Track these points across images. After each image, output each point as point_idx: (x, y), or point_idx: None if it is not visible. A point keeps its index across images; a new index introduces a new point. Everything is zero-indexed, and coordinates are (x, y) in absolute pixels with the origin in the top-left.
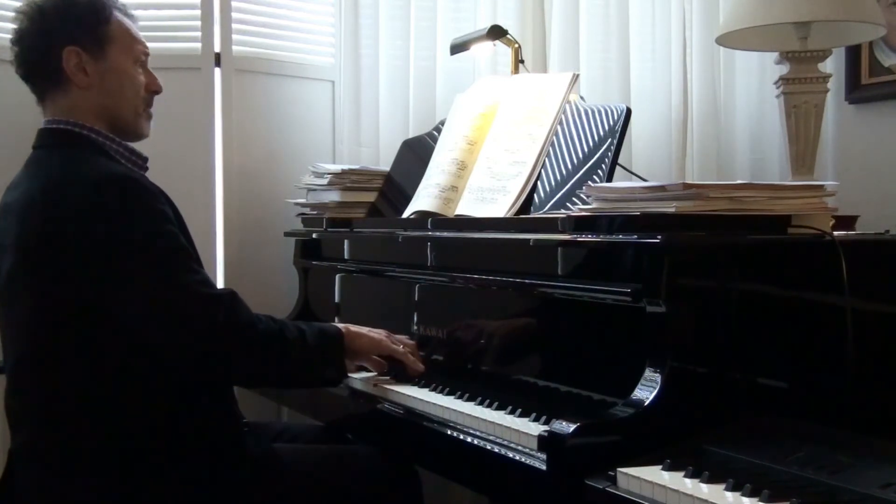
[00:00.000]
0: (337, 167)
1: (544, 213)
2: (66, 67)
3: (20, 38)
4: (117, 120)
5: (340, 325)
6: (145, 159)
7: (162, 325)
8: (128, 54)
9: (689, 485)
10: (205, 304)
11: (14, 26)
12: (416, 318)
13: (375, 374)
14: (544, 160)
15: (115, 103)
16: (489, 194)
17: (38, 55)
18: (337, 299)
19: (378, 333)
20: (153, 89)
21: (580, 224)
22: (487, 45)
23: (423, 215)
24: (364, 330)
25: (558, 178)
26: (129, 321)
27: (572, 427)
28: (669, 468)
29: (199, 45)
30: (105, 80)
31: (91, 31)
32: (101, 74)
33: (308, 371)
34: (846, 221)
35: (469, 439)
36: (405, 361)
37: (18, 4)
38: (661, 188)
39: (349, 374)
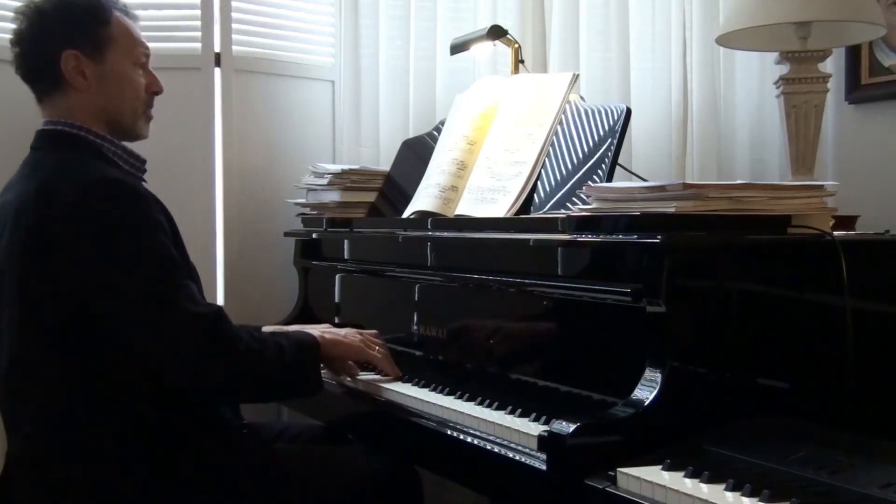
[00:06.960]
0: (337, 167)
1: (544, 213)
2: (65, 70)
3: (19, 40)
4: (116, 122)
5: (316, 332)
6: (143, 161)
7: (142, 337)
8: (128, 56)
9: (689, 485)
10: (186, 321)
11: (13, 27)
12: (416, 318)
13: (374, 374)
14: (544, 160)
15: (115, 106)
16: (489, 194)
17: (36, 57)
18: (337, 299)
19: (353, 338)
20: (154, 90)
21: (580, 224)
22: (487, 45)
23: (423, 215)
24: (340, 335)
25: (558, 178)
26: (113, 328)
27: (572, 427)
28: (669, 468)
29: (199, 45)
30: (104, 82)
31: (90, 34)
32: (99, 77)
33: (285, 387)
34: (846, 221)
35: (469, 439)
36: (382, 367)
37: (18, 4)
38: (661, 188)
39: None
